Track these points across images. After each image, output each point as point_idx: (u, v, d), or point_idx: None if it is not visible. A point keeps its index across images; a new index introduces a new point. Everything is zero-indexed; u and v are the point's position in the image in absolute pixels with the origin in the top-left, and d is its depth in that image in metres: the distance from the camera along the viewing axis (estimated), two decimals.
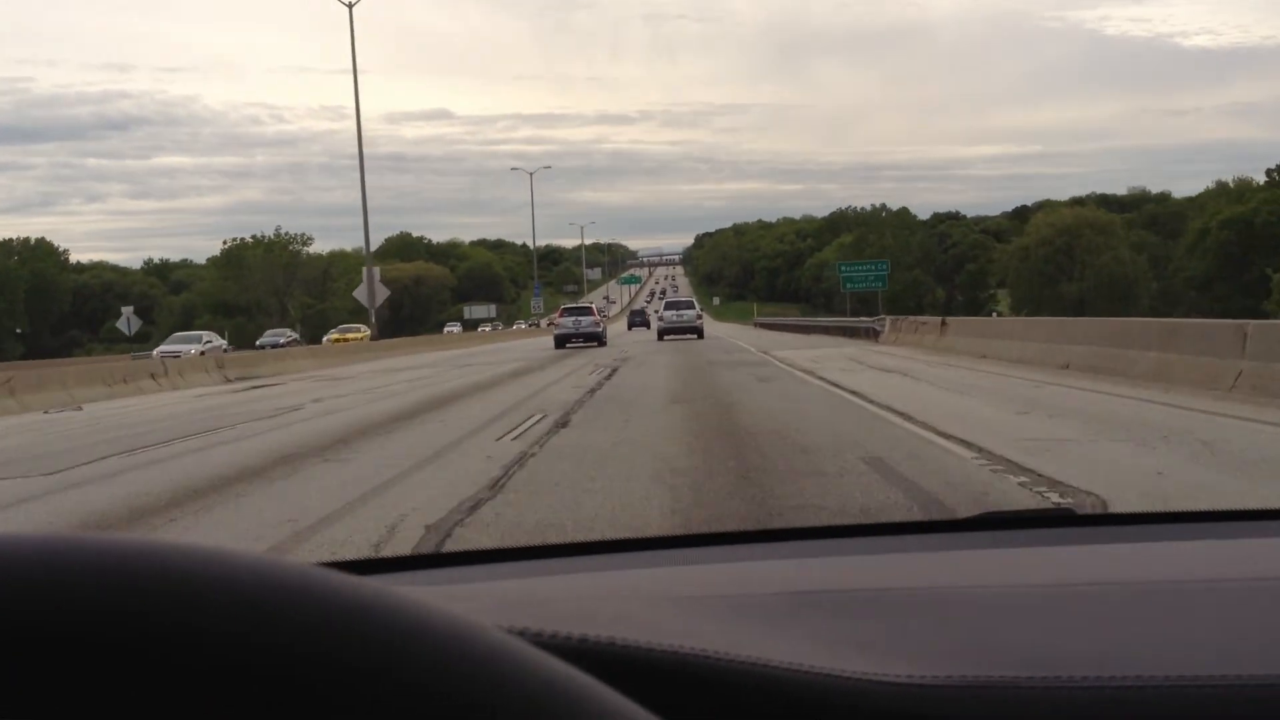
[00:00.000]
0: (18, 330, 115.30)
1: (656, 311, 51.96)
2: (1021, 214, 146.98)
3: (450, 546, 5.98)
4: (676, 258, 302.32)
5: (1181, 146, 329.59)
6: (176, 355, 33.99)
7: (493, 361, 30.84)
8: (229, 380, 29.06)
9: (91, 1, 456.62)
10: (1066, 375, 16.17)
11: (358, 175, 46.16)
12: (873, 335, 36.61)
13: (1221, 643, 1.07)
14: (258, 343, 57.88)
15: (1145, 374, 14.46)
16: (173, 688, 0.47)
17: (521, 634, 0.82)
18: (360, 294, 48.67)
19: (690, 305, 45.93)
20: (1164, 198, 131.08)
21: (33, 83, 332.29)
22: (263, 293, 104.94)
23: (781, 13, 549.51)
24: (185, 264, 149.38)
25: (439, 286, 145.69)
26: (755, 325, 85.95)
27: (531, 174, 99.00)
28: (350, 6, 45.97)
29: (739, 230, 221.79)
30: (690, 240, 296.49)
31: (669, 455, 9.16)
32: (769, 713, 0.89)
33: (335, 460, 9.97)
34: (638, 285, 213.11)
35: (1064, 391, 13.79)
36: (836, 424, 11.02)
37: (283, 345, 51.90)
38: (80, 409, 20.31)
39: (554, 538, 6.09)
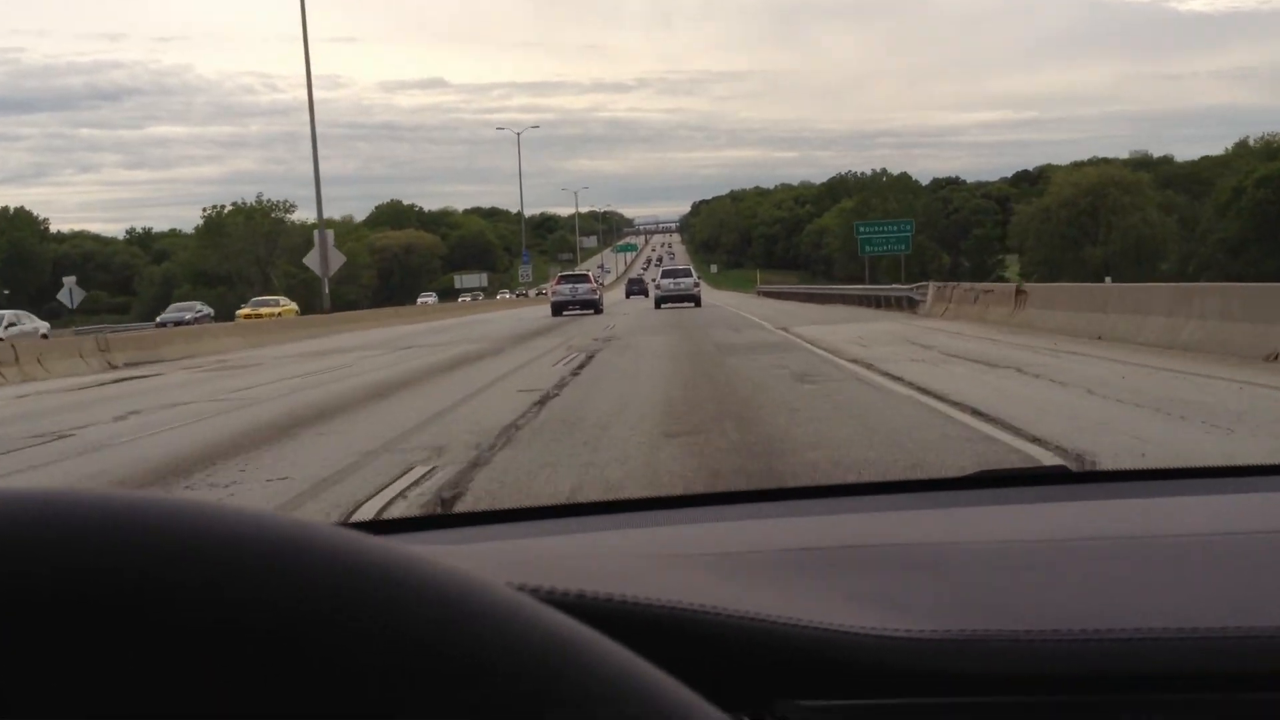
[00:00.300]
0: None
1: (654, 280, 51.51)
2: (1024, 179, 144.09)
3: None
4: (673, 225, 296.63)
5: (1178, 111, 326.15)
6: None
7: (445, 342, 24.76)
8: (113, 367, 23.05)
9: None
10: None
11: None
12: (908, 306, 30.54)
13: (1217, 595, 1.06)
14: (158, 319, 49.43)
15: None
16: (170, 648, 0.46)
17: (520, 589, 0.83)
18: (312, 260, 42.41)
19: (688, 273, 45.51)
20: (1167, 160, 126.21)
21: (24, 53, 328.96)
22: (244, 262, 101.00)
23: None
24: (174, 234, 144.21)
25: (429, 255, 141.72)
26: (759, 294, 79.68)
27: (519, 134, 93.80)
28: None
29: (736, 197, 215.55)
30: (687, 208, 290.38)
31: None
32: (768, 667, 0.91)
33: None
34: (634, 253, 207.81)
35: None
36: None
37: (189, 322, 43.35)
38: None
39: None
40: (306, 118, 40.22)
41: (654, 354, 17.04)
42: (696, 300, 43.16)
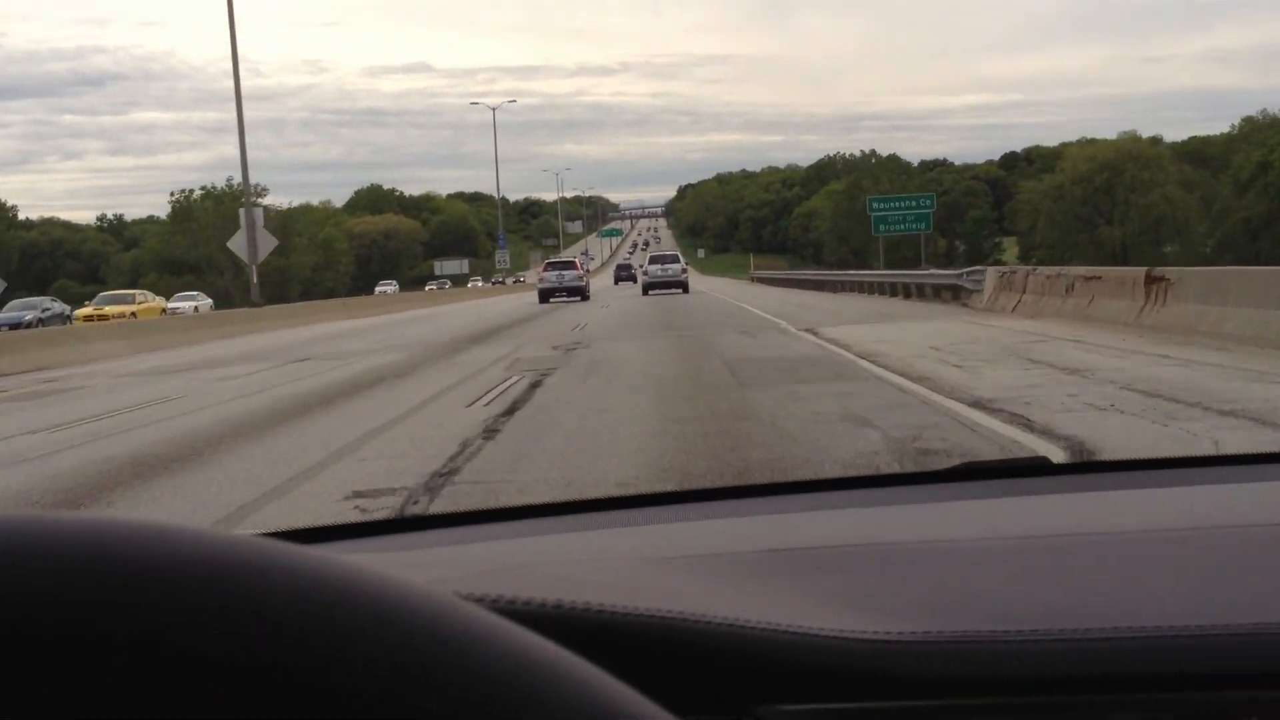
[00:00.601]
0: None
1: (641, 265, 51.07)
2: (1014, 160, 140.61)
3: None
4: (659, 210, 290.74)
5: (1162, 93, 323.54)
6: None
7: (360, 351, 18.64)
8: None
9: None
10: None
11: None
12: (951, 297, 24.53)
13: (1197, 593, 1.05)
14: None
15: None
16: (117, 677, 0.43)
17: (495, 601, 0.82)
18: (237, 244, 36.07)
19: (675, 259, 44.82)
20: (1158, 141, 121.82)
21: (6, 39, 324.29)
22: (214, 249, 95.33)
23: None
24: (152, 219, 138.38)
25: (410, 241, 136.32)
26: (753, 280, 73.60)
27: (494, 109, 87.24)
28: None
29: (723, 180, 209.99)
30: (673, 192, 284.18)
31: None
32: (748, 672, 0.89)
33: None
34: (619, 238, 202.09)
35: None
36: None
37: (29, 324, 34.83)
38: None
39: None
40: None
41: (631, 385, 10.86)
42: (684, 287, 42.41)
